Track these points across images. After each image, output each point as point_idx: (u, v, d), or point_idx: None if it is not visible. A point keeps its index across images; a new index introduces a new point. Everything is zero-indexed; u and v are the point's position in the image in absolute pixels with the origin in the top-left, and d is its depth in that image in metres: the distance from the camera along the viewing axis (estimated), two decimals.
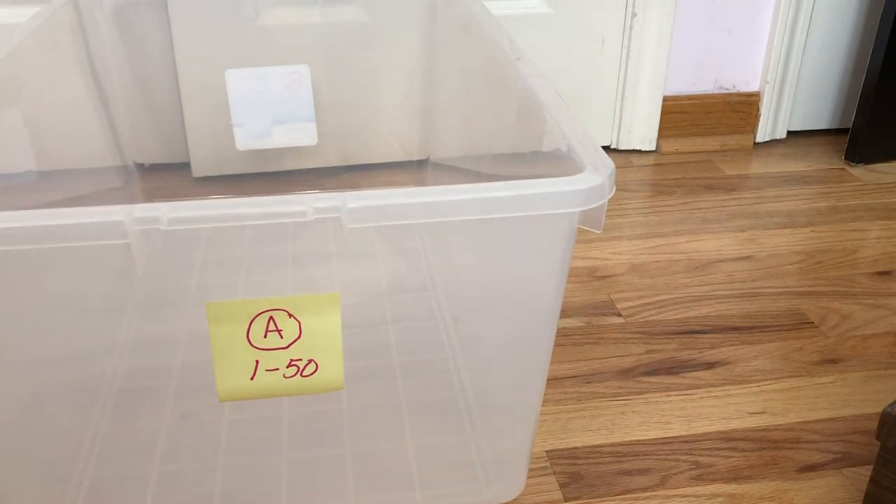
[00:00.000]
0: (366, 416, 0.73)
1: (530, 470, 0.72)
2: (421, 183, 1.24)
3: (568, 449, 0.75)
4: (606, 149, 1.38)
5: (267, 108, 1.10)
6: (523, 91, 0.68)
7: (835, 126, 1.45)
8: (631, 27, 1.29)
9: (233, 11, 1.12)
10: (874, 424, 0.75)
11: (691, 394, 0.82)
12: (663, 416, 0.79)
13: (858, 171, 1.32)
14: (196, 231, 0.47)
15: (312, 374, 0.54)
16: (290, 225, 0.47)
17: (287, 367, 0.53)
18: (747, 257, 1.07)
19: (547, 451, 0.74)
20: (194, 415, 0.73)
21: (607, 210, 0.50)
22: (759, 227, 1.15)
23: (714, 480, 0.72)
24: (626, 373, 0.85)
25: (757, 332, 0.92)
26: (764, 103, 1.38)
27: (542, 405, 0.79)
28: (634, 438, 0.76)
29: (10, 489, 0.60)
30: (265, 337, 0.52)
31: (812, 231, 1.14)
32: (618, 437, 0.76)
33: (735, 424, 0.78)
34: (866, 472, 0.71)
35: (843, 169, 1.33)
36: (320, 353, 0.53)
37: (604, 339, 0.90)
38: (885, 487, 0.66)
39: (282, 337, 0.52)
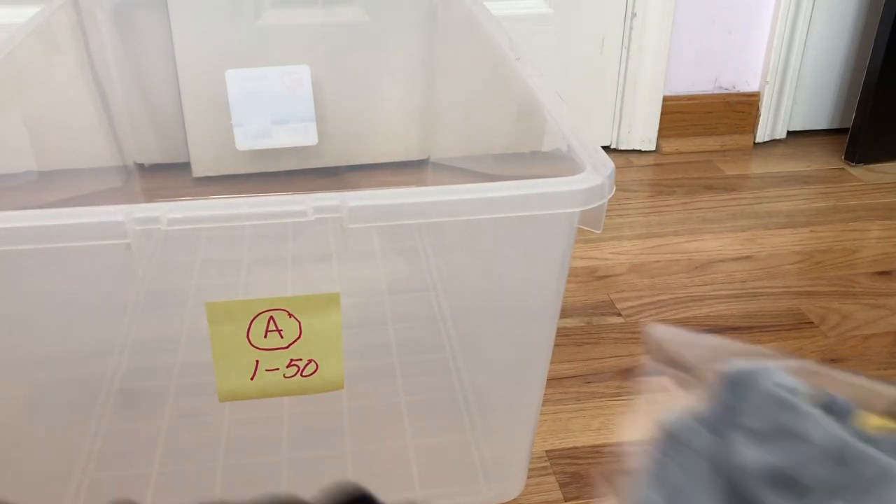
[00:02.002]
0: (366, 416, 0.73)
1: (530, 470, 0.72)
2: (421, 183, 1.24)
3: (568, 449, 0.75)
4: (606, 149, 1.38)
5: (267, 108, 1.10)
6: (523, 91, 0.68)
7: (835, 126, 1.45)
8: (631, 27, 1.29)
9: (233, 11, 1.12)
10: None
11: None
12: None
13: (858, 171, 1.32)
14: (196, 231, 0.47)
15: (312, 374, 0.54)
16: (290, 225, 0.47)
17: (287, 367, 0.53)
18: (747, 257, 1.07)
19: (547, 451, 0.74)
20: (194, 415, 0.73)
21: (607, 210, 0.50)
22: (759, 227, 1.15)
23: None
24: (626, 373, 0.85)
25: (757, 332, 0.92)
26: (764, 103, 1.38)
27: (542, 405, 0.79)
28: None
29: (10, 489, 0.60)
30: (265, 337, 0.52)
31: (812, 231, 1.14)
32: (618, 437, 0.76)
33: None
34: None
35: (842, 169, 1.33)
36: (320, 353, 0.53)
37: (604, 339, 0.90)
38: None
39: (282, 337, 0.52)
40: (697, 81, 1.38)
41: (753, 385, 0.29)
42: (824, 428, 0.27)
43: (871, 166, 1.34)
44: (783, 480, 0.27)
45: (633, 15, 1.29)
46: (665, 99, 1.36)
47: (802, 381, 0.29)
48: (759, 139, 1.41)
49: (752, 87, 1.39)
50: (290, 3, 1.14)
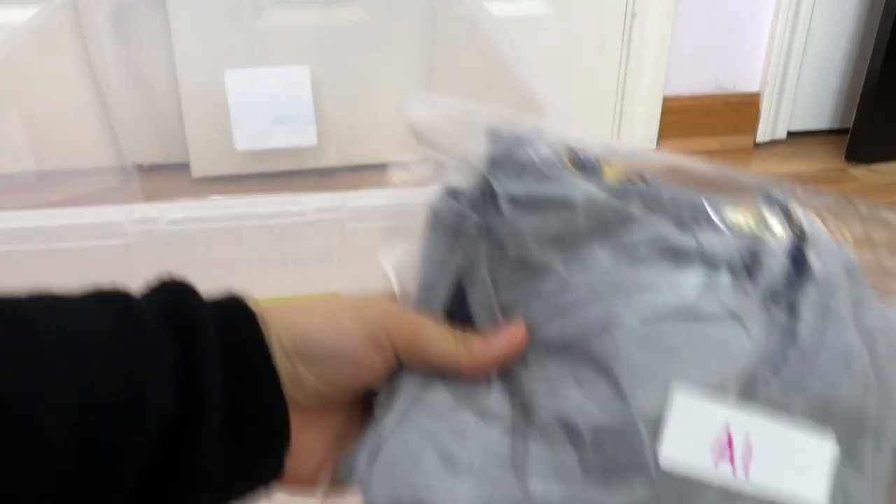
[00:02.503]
0: None
1: None
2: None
3: None
4: None
5: (267, 108, 1.10)
6: (523, 91, 0.68)
7: (835, 126, 1.45)
8: (631, 27, 1.29)
9: (233, 11, 1.12)
10: None
11: None
12: None
13: (859, 172, 1.32)
14: (196, 231, 0.47)
15: None
16: (290, 225, 0.47)
17: None
18: None
19: None
20: None
21: None
22: None
23: None
24: None
25: None
26: (764, 104, 1.38)
27: None
28: None
29: None
30: None
31: None
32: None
33: None
34: None
35: (843, 169, 1.33)
36: None
37: None
38: None
39: None
40: (698, 82, 1.38)
41: (516, 158, 0.31)
42: (583, 191, 0.30)
43: (872, 167, 1.34)
44: (549, 238, 0.30)
45: (633, 15, 1.29)
46: (665, 99, 1.36)
47: (555, 145, 0.31)
48: (759, 139, 1.41)
49: (753, 87, 1.39)
50: (290, 3, 1.14)
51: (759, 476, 0.28)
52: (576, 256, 0.30)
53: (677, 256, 0.30)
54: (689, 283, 0.29)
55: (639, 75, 1.32)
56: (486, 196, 0.31)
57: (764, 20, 1.34)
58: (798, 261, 0.30)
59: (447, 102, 0.33)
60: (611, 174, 0.31)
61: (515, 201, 0.30)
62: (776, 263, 0.30)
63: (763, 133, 1.41)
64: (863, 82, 1.31)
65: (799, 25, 1.33)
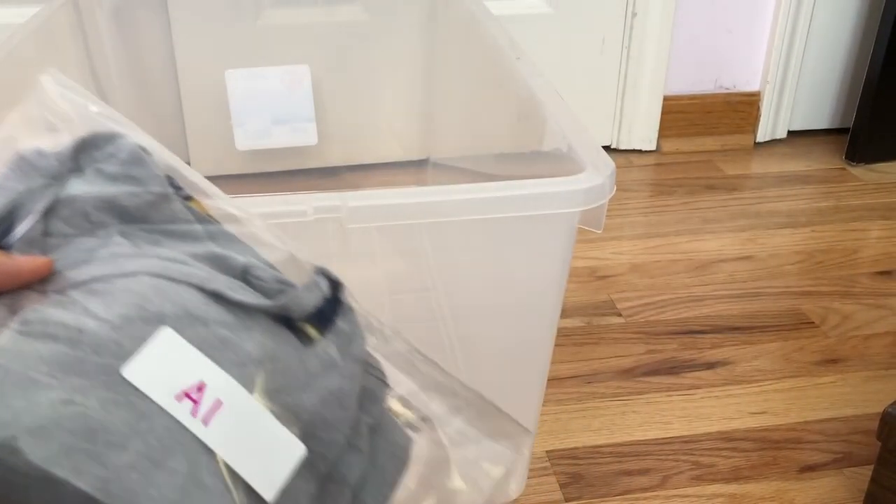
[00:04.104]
0: None
1: (531, 470, 0.72)
2: (421, 183, 1.24)
3: (568, 449, 0.75)
4: (607, 149, 1.38)
5: (267, 108, 1.10)
6: (523, 91, 0.68)
7: (835, 126, 1.45)
8: (631, 27, 1.29)
9: (233, 11, 1.12)
10: (875, 424, 0.75)
11: (692, 394, 0.82)
12: (664, 417, 0.79)
13: (859, 171, 1.32)
14: None
15: None
16: (290, 225, 0.47)
17: None
18: (748, 257, 1.07)
19: (547, 452, 0.74)
20: None
21: (607, 210, 0.50)
22: (759, 226, 1.15)
23: (714, 481, 0.72)
24: (626, 373, 0.85)
25: (757, 332, 0.92)
26: (764, 103, 1.38)
27: (543, 405, 0.79)
28: (635, 438, 0.76)
29: None
30: None
31: (813, 231, 1.14)
32: (618, 438, 0.76)
33: (736, 424, 0.78)
34: (867, 472, 0.71)
35: (843, 169, 1.33)
36: None
37: (604, 339, 0.90)
38: (886, 487, 0.66)
39: None
40: (698, 81, 1.38)
41: (117, 141, 0.36)
42: (158, 180, 0.36)
43: (872, 166, 1.34)
44: (110, 207, 0.35)
45: (634, 14, 1.29)
46: (665, 98, 1.36)
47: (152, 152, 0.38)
48: (759, 139, 1.41)
49: (753, 86, 1.39)
50: (290, 3, 1.14)
51: (218, 431, 0.30)
52: (117, 229, 0.35)
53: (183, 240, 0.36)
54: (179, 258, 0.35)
55: (639, 75, 1.32)
56: (73, 160, 0.36)
57: (764, 19, 1.34)
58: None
59: (82, 95, 0.39)
60: (194, 204, 0.38)
61: (100, 172, 0.36)
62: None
63: (763, 132, 1.41)
64: (863, 82, 1.31)
65: (799, 24, 1.33)
